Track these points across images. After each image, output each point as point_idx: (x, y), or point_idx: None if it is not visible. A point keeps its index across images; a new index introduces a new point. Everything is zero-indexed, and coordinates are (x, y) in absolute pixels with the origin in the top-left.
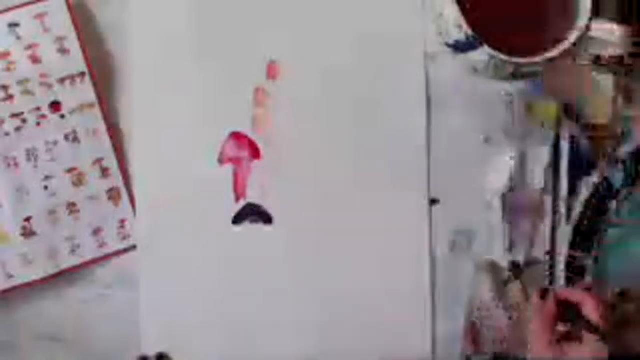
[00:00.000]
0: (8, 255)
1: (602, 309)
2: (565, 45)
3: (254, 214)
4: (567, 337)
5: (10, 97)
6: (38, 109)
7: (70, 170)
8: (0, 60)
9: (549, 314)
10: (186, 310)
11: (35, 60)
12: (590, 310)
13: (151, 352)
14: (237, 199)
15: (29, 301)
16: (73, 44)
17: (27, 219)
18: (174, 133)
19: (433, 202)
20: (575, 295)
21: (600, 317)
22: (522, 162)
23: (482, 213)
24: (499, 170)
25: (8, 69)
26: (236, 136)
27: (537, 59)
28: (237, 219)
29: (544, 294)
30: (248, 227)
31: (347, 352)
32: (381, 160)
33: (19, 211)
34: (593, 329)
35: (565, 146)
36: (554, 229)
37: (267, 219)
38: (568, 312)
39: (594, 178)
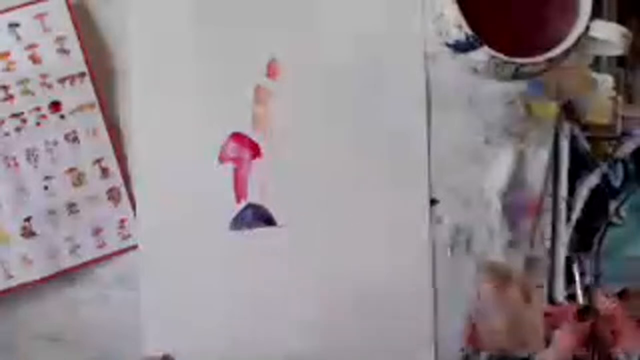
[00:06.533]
0: (8, 255)
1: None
2: (565, 45)
3: (254, 214)
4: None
5: (10, 97)
6: (38, 109)
7: (70, 171)
8: (0, 60)
9: (581, 338)
10: (187, 310)
11: (35, 60)
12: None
13: (153, 352)
14: (238, 199)
15: (29, 301)
16: (73, 44)
17: (27, 219)
18: (174, 133)
19: (433, 202)
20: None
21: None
22: (522, 162)
23: (482, 213)
24: (499, 170)
25: (8, 69)
26: (237, 136)
27: (537, 59)
28: (238, 219)
29: (585, 313)
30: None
31: (348, 352)
32: (381, 160)
33: (19, 211)
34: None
35: (565, 146)
36: (554, 229)
37: (267, 219)
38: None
39: (594, 178)
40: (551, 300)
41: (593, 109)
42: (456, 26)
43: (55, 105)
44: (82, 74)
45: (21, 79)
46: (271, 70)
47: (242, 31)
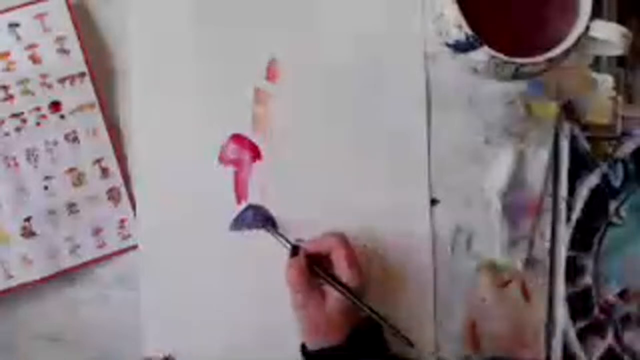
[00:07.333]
0: (8, 255)
1: (351, 261)
2: (565, 45)
3: (255, 214)
4: (310, 292)
5: (10, 97)
6: (38, 109)
7: (70, 171)
8: (0, 60)
9: (300, 270)
10: (186, 311)
11: (35, 60)
12: (339, 262)
13: (153, 352)
14: (238, 199)
15: (29, 301)
16: (73, 44)
17: (27, 219)
18: (174, 133)
19: (433, 202)
20: (325, 245)
21: (348, 269)
22: (522, 162)
23: (482, 213)
24: (499, 170)
25: (8, 69)
26: (237, 138)
27: (537, 59)
28: (238, 220)
29: (294, 251)
30: None
31: None
32: (381, 160)
33: (19, 211)
34: (336, 283)
35: (565, 146)
36: (554, 229)
37: (268, 219)
38: (316, 266)
39: (594, 178)
40: (551, 300)
41: (593, 109)
42: (456, 26)
43: (55, 105)
44: (82, 74)
45: (21, 79)
46: (271, 71)
47: (242, 31)
